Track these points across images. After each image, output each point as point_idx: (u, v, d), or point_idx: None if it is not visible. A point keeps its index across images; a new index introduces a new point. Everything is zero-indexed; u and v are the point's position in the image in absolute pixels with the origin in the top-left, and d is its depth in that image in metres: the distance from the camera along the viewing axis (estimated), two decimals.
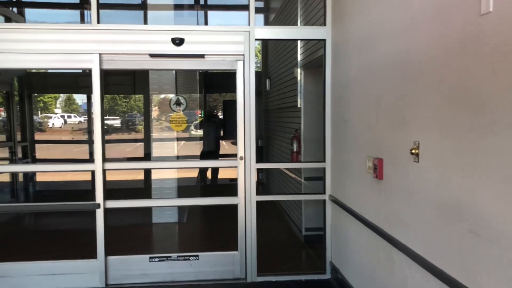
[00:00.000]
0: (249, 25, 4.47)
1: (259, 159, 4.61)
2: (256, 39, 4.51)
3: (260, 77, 9.52)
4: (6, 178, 7.51)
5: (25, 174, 8.06)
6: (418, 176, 2.62)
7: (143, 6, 6.71)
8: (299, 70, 5.94)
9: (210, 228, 6.66)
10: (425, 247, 2.55)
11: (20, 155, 7.88)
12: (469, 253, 2.11)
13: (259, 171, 4.84)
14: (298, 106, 5.92)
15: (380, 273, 3.26)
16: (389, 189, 3.08)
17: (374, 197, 3.35)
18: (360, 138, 3.66)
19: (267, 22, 8.29)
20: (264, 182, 9.24)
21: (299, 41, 5.96)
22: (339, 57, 4.26)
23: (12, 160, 7.61)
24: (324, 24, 4.51)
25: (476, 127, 2.04)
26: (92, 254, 4.46)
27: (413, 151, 2.62)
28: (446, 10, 2.29)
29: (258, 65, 10.21)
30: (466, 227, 2.13)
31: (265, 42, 8.97)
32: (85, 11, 5.40)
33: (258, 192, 4.59)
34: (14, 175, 7.58)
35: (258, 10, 5.34)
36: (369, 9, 3.43)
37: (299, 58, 6.03)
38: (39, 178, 8.59)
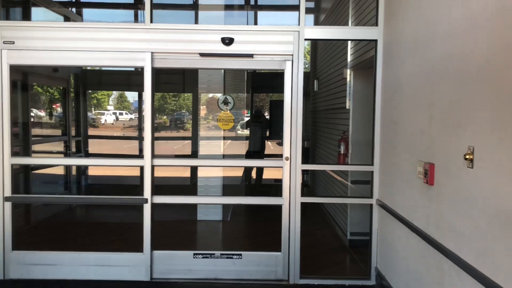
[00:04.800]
0: (299, 25, 4.44)
1: (304, 160, 4.57)
2: (305, 39, 4.47)
3: (308, 77, 9.46)
4: (60, 171, 7.83)
5: (78, 168, 8.38)
6: (472, 183, 2.51)
7: (195, 6, 6.83)
8: (348, 71, 5.85)
9: (254, 228, 6.68)
10: (478, 258, 2.43)
11: (74, 149, 8.20)
12: None
13: (304, 172, 4.80)
14: (347, 107, 5.82)
15: (429, 282, 3.15)
16: (440, 196, 2.96)
17: (424, 203, 3.24)
18: (410, 142, 3.55)
19: (317, 23, 8.22)
20: (310, 184, 9.16)
21: (349, 42, 5.87)
22: (390, 58, 4.15)
23: (66, 154, 7.93)
24: (376, 24, 4.41)
25: None
26: (138, 248, 4.57)
27: (467, 157, 2.51)
28: (509, 11, 2.17)
29: (307, 65, 10.15)
30: None
31: (314, 43, 8.90)
32: (139, 11, 5.56)
33: (303, 194, 4.56)
34: (67, 168, 7.91)
35: (308, 11, 5.29)
36: (424, 9, 3.32)
37: (349, 59, 5.93)
38: (91, 172, 8.92)
